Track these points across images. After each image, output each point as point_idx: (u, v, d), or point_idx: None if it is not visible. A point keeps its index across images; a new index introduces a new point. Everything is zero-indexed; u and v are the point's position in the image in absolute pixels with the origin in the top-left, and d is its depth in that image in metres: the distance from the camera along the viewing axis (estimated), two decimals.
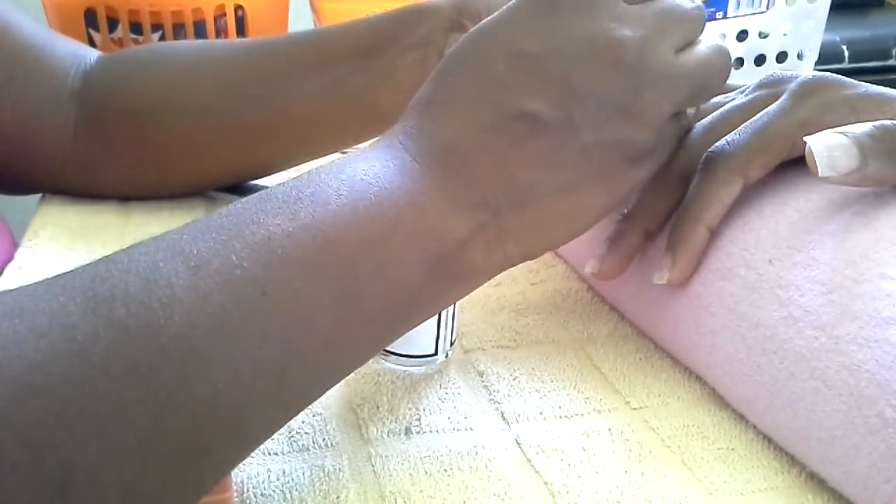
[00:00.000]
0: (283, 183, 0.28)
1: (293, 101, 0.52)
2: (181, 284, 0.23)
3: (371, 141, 0.32)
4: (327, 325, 0.26)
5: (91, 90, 0.54)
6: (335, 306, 0.26)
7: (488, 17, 0.33)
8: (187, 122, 0.53)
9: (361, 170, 0.29)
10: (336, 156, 0.43)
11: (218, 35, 0.81)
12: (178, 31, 0.81)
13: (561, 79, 0.31)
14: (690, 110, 0.38)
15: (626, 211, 0.40)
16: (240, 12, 0.82)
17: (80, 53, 0.56)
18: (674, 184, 0.39)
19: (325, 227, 0.27)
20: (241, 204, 0.27)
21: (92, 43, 0.80)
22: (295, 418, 0.36)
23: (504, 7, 0.33)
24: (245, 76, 0.53)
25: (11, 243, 0.54)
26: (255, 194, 0.28)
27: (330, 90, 0.52)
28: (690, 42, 0.33)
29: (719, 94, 0.42)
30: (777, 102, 0.37)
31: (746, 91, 0.40)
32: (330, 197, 0.28)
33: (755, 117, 0.37)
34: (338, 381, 0.29)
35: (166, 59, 0.55)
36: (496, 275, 0.32)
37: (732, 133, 0.37)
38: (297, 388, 0.27)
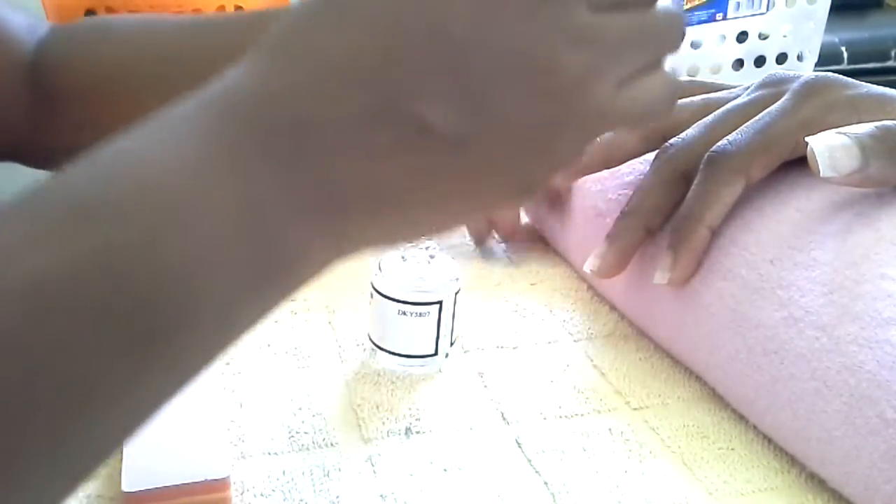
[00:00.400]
0: (42, 184, 0.22)
1: None
2: None
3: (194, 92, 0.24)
4: (118, 387, 0.21)
5: (42, 67, 0.53)
6: (128, 361, 0.21)
7: None
8: (135, 100, 0.52)
9: (172, 167, 0.22)
10: None
11: None
12: None
13: (476, 89, 0.24)
14: None
15: (625, 208, 0.40)
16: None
17: (35, 25, 0.55)
18: (675, 182, 0.39)
19: (112, 258, 0.20)
20: (9, 226, 0.21)
21: None
22: (294, 418, 0.36)
23: None
24: (192, 54, 0.50)
25: None
26: (20, 202, 0.21)
27: None
28: (647, 68, 0.28)
29: (720, 91, 0.42)
30: (779, 102, 0.37)
31: (749, 90, 0.40)
32: (119, 211, 0.21)
33: (757, 117, 0.37)
34: (134, 435, 0.23)
35: (113, 36, 0.54)
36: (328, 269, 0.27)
37: (734, 133, 0.37)
38: (78, 453, 0.21)
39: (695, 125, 0.39)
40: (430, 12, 0.24)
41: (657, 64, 0.28)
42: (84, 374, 0.20)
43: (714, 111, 0.40)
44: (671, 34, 0.28)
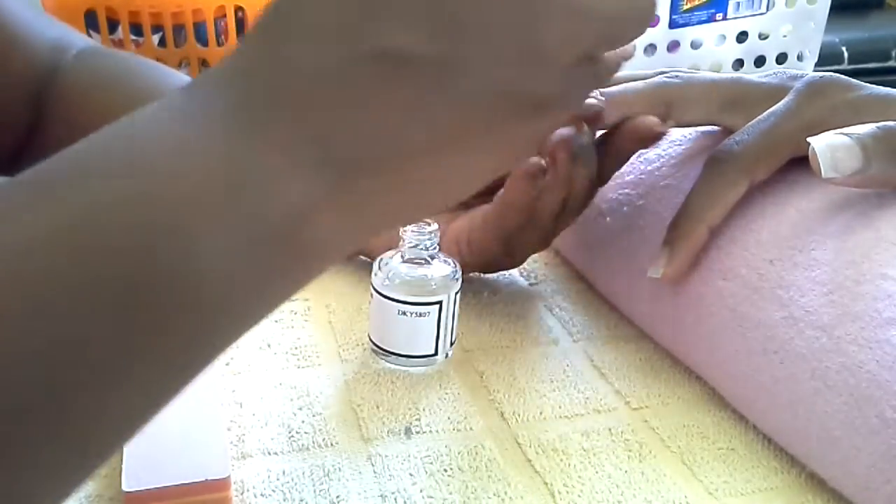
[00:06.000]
0: (45, 163, 0.22)
1: None
2: None
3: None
4: (109, 351, 0.20)
5: (51, 92, 0.52)
6: (106, 330, 0.20)
7: None
8: None
9: (144, 130, 0.22)
10: None
11: (218, 36, 0.81)
12: (178, 31, 0.81)
13: (441, 6, 0.23)
14: (610, 54, 0.31)
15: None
16: (240, 13, 0.82)
17: (62, 46, 0.54)
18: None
19: (90, 223, 0.20)
20: None
21: None
22: (294, 418, 0.36)
23: None
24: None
25: None
26: (18, 179, 0.21)
27: None
28: None
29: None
30: (783, 102, 0.37)
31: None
32: (84, 179, 0.21)
33: (761, 117, 0.37)
34: (146, 421, 0.22)
35: (126, 85, 0.51)
36: (355, 252, 0.26)
37: (739, 133, 0.37)
38: (80, 432, 0.21)
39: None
40: None
41: None
42: (78, 337, 0.19)
43: (724, 93, 0.39)
44: None
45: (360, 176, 0.24)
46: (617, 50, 0.28)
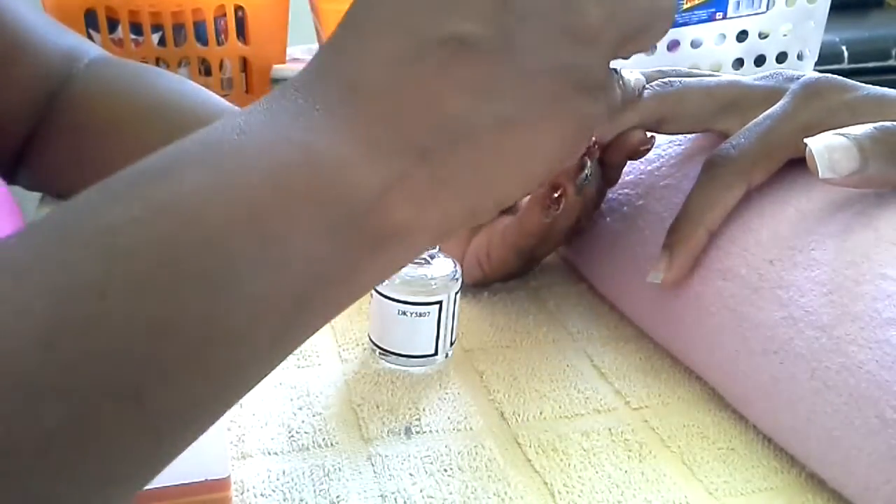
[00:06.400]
0: (143, 160, 0.23)
1: None
2: None
3: None
4: (194, 328, 0.21)
5: (63, 101, 0.52)
6: (203, 303, 0.21)
7: None
8: (128, 164, 0.50)
9: (236, 127, 0.23)
10: None
11: (218, 36, 0.81)
12: (178, 31, 0.81)
13: None
14: (627, 74, 0.34)
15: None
16: (240, 13, 0.82)
17: (75, 56, 0.54)
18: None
19: (182, 204, 0.21)
20: (85, 192, 0.22)
21: None
22: (294, 418, 0.36)
23: None
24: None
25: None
26: (105, 179, 0.22)
27: None
28: None
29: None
30: (779, 105, 0.37)
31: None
32: (190, 166, 0.22)
33: (757, 120, 0.37)
34: (233, 400, 0.24)
35: (134, 93, 0.51)
36: (440, 240, 0.27)
37: (736, 136, 0.37)
38: (164, 413, 0.21)
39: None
40: None
41: None
42: (159, 315, 0.20)
43: (722, 94, 0.39)
44: None
45: (431, 159, 0.25)
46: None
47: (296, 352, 0.41)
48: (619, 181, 0.45)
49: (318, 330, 0.25)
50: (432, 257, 0.39)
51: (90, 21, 0.79)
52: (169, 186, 0.22)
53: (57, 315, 0.19)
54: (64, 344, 0.19)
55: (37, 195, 0.58)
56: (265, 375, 0.24)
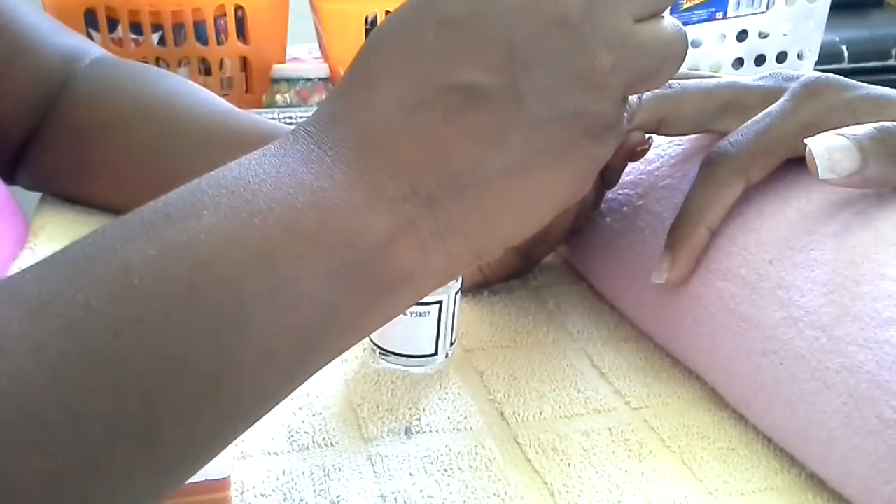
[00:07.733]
0: (159, 199, 0.24)
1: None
2: (12, 335, 0.19)
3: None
4: (205, 367, 0.21)
5: (63, 101, 0.52)
6: (214, 343, 0.21)
7: None
8: (128, 164, 0.50)
9: (251, 170, 0.24)
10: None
11: (218, 35, 0.81)
12: (178, 31, 0.81)
13: (499, 42, 0.25)
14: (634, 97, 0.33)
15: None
16: (240, 12, 0.82)
17: (76, 56, 0.54)
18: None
19: (197, 246, 0.22)
20: (101, 229, 0.23)
21: None
22: (294, 418, 0.36)
23: None
24: (205, 146, 0.48)
25: (27, 233, 0.54)
26: (121, 217, 0.23)
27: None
28: (654, 14, 0.28)
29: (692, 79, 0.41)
30: (779, 103, 0.37)
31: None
32: (206, 208, 0.23)
33: (756, 118, 0.37)
34: (239, 432, 0.24)
35: (133, 93, 0.52)
36: (445, 282, 0.28)
37: (734, 133, 0.37)
38: (173, 448, 0.22)
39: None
40: (434, 13, 0.26)
41: (661, 12, 0.28)
42: (172, 354, 0.21)
43: (719, 98, 0.39)
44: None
45: (439, 207, 0.26)
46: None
47: None
48: (619, 181, 0.45)
49: (325, 366, 0.26)
50: None
51: (90, 21, 0.79)
52: (185, 228, 0.22)
53: (71, 351, 0.20)
54: (77, 379, 0.20)
55: (37, 195, 0.58)
56: (272, 409, 0.25)
